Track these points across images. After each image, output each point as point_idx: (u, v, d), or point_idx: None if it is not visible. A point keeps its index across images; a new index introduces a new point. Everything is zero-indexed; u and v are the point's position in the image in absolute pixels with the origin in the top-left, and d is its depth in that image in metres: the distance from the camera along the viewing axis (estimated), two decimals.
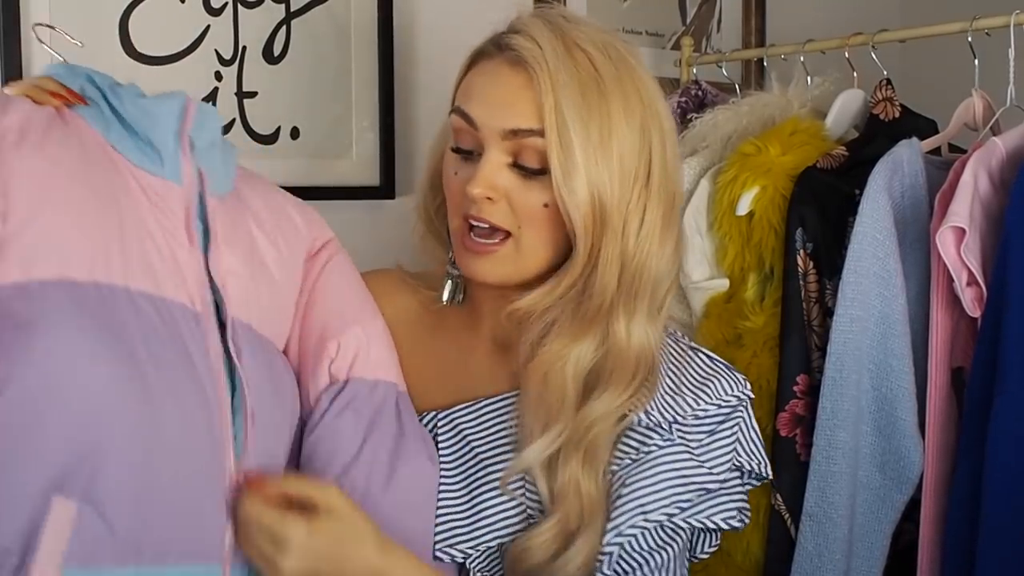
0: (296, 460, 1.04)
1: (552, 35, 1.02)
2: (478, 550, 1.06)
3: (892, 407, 1.39)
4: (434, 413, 1.12)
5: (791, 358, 1.46)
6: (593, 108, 1.01)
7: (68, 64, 1.01)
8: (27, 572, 0.79)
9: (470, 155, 1.05)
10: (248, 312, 0.99)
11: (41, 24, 1.05)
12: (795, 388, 1.45)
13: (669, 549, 1.06)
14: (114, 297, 0.87)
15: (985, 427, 1.28)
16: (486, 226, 1.04)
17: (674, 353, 1.13)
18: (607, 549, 1.02)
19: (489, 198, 1.02)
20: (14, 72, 1.27)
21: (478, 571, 1.07)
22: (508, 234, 1.04)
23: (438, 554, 1.06)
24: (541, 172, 1.02)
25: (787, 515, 1.45)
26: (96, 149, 0.93)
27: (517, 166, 1.03)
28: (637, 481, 1.04)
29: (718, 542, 1.16)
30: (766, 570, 1.48)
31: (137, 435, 0.84)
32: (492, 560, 1.08)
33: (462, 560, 1.07)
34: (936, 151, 1.55)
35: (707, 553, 1.16)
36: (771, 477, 1.15)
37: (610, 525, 1.03)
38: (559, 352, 1.04)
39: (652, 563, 1.05)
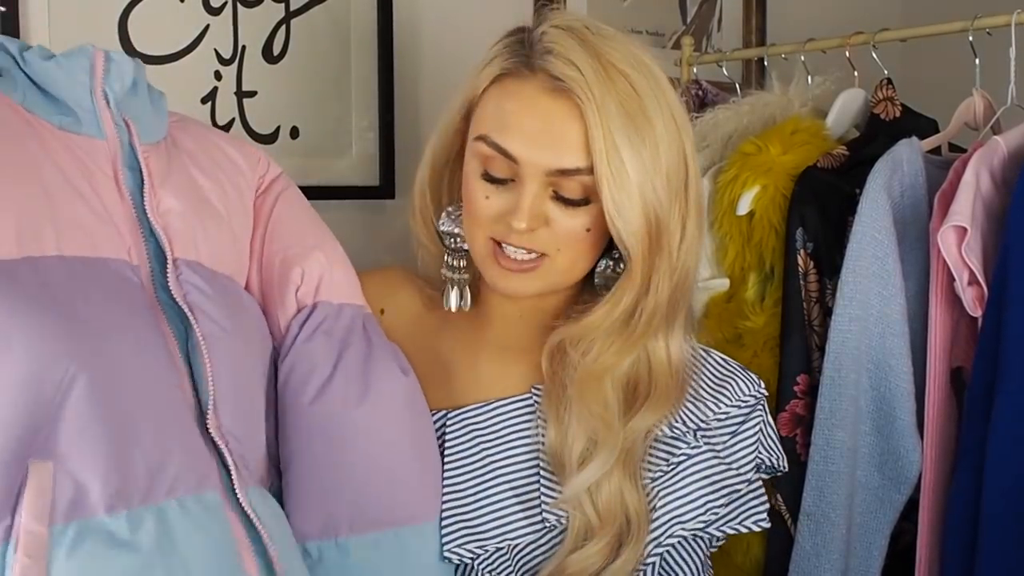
0: (274, 385, 1.04)
1: (588, 56, 0.99)
2: (486, 550, 1.06)
3: (891, 407, 1.39)
4: (444, 412, 1.12)
5: (791, 358, 1.45)
6: (643, 133, 0.99)
7: None
8: (15, 531, 0.79)
9: (503, 183, 1.03)
10: (197, 250, 0.99)
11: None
12: (795, 388, 1.45)
13: (697, 556, 1.08)
14: (47, 267, 0.87)
15: (985, 427, 1.28)
16: (523, 252, 1.03)
17: (692, 359, 1.13)
18: (648, 560, 1.04)
19: (532, 229, 1.02)
20: None
21: (486, 571, 1.07)
22: (544, 254, 1.04)
23: (446, 554, 1.05)
24: (584, 202, 1.02)
25: (787, 515, 1.45)
26: (13, 119, 0.93)
27: (559, 198, 1.02)
28: (670, 492, 1.06)
29: (720, 540, 1.16)
30: (766, 570, 1.48)
31: (89, 390, 0.84)
32: (500, 560, 1.08)
33: (470, 559, 1.07)
34: (936, 150, 1.55)
35: (714, 547, 1.16)
36: (786, 469, 1.17)
37: (649, 537, 1.04)
38: (608, 368, 1.04)
39: (686, 570, 1.07)
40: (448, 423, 1.11)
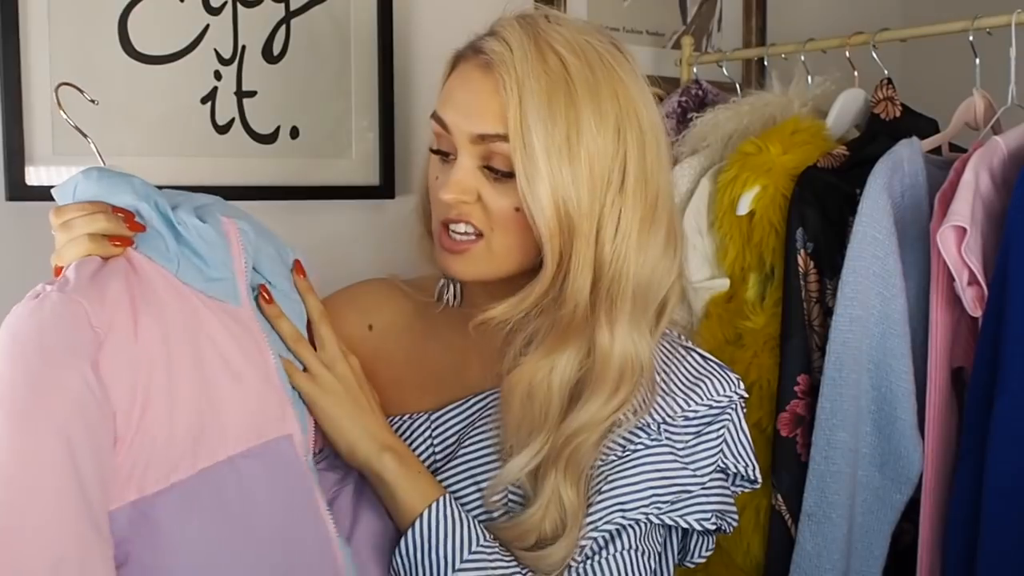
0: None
1: (525, 37, 1.01)
2: None
3: (892, 407, 1.39)
4: (427, 415, 1.12)
5: (792, 358, 1.45)
6: (559, 113, 0.99)
7: (106, 172, 0.94)
8: None
9: (446, 158, 1.06)
10: None
11: (66, 84, 1.00)
12: (796, 388, 1.45)
13: (632, 530, 1.06)
14: (219, 477, 0.89)
15: (986, 427, 1.28)
16: (461, 228, 1.04)
17: (667, 353, 1.12)
18: (582, 543, 1.02)
19: (464, 201, 1.03)
20: (12, 70, 1.26)
21: None
22: (481, 234, 1.04)
23: None
24: (511, 175, 1.01)
25: (787, 516, 1.45)
26: (171, 295, 0.92)
27: (488, 168, 1.03)
28: (619, 478, 1.04)
29: (713, 546, 1.15)
30: (766, 571, 1.48)
31: None
32: None
33: None
34: (936, 150, 1.55)
35: (702, 557, 1.15)
36: (760, 480, 1.14)
37: (587, 520, 1.02)
38: (538, 364, 1.03)
39: (616, 545, 1.04)
40: (433, 425, 1.12)
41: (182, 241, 0.94)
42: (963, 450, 1.33)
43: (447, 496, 1.04)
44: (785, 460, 1.44)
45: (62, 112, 0.98)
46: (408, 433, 1.12)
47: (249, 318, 0.98)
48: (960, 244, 1.30)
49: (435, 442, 1.11)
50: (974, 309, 1.32)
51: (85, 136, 0.97)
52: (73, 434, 0.80)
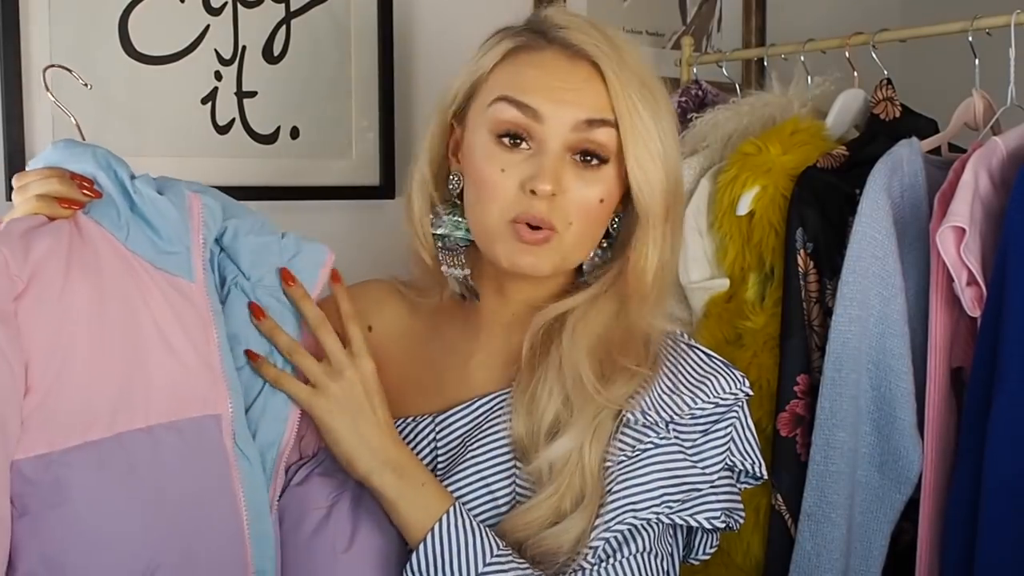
0: None
1: (597, 31, 1.05)
2: None
3: (891, 407, 1.39)
4: (431, 417, 1.12)
5: (791, 358, 1.45)
6: (653, 99, 1.05)
7: (73, 142, 0.97)
8: None
9: (518, 146, 1.04)
10: None
11: (55, 65, 1.02)
12: (795, 388, 1.45)
13: (645, 532, 1.06)
14: (134, 443, 0.89)
15: (985, 427, 1.28)
16: (540, 226, 1.04)
17: (672, 352, 1.12)
18: (593, 543, 1.01)
19: (553, 194, 1.03)
20: (13, 70, 1.26)
21: None
22: (553, 230, 1.05)
23: None
24: (602, 163, 1.05)
25: (787, 515, 1.45)
26: (117, 266, 0.93)
27: (582, 155, 1.04)
28: (629, 478, 1.04)
29: (717, 543, 1.15)
30: (766, 571, 1.48)
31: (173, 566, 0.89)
32: None
33: None
34: (936, 151, 1.55)
35: (707, 555, 1.15)
36: (766, 477, 1.15)
37: (599, 521, 1.02)
38: (592, 330, 1.07)
39: (630, 548, 1.04)
40: (437, 427, 1.11)
41: (136, 211, 0.95)
42: (962, 450, 1.33)
43: (455, 507, 1.02)
44: (785, 460, 1.44)
45: (50, 94, 1.00)
46: (411, 436, 1.12)
47: (200, 294, 0.98)
48: (959, 244, 1.30)
49: (439, 445, 1.10)
50: (973, 309, 1.32)
51: (69, 115, 1.00)
52: None
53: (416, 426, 1.12)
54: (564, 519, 1.01)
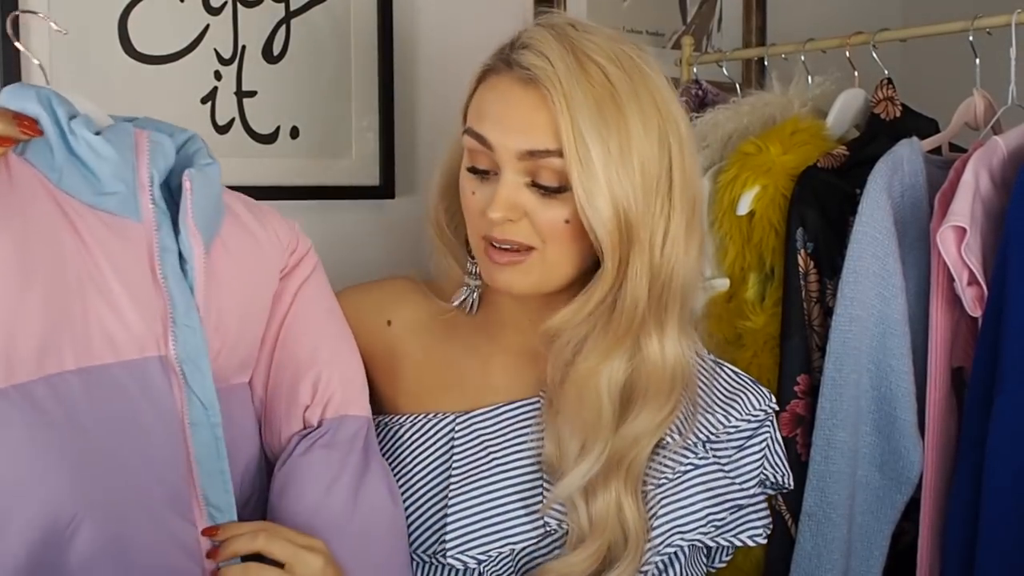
0: (263, 493, 1.05)
1: (562, 49, 1.00)
2: (490, 556, 1.06)
3: (891, 407, 1.39)
4: (453, 416, 1.12)
5: (791, 358, 1.45)
6: (611, 123, 0.99)
7: (21, 85, 0.95)
8: None
9: (486, 175, 1.04)
10: (218, 347, 0.99)
11: (28, 11, 1.00)
12: (796, 388, 1.45)
13: (696, 569, 1.09)
14: (65, 385, 0.87)
15: (985, 427, 1.28)
16: (508, 246, 1.03)
17: (702, 371, 1.13)
18: (644, 568, 1.03)
19: (510, 220, 1.02)
20: (13, 69, 1.26)
21: (489, 574, 1.07)
22: (532, 248, 1.04)
23: (451, 560, 1.05)
24: (560, 190, 1.01)
25: (788, 516, 1.45)
26: (46, 206, 0.90)
27: (536, 185, 1.02)
28: (673, 500, 1.05)
29: (733, 551, 1.16)
30: (767, 571, 1.48)
31: (93, 533, 0.85)
32: (505, 566, 1.08)
33: (475, 566, 1.07)
34: (937, 150, 1.55)
35: (723, 563, 1.16)
36: (791, 487, 1.16)
37: (648, 545, 1.03)
38: (593, 369, 1.03)
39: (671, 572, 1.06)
40: (457, 427, 1.11)
41: (73, 152, 0.92)
42: (962, 450, 1.33)
43: None
44: None
45: (17, 43, 0.99)
46: (429, 430, 1.12)
47: (144, 233, 0.94)
48: (960, 244, 1.30)
49: (456, 443, 1.11)
50: (974, 309, 1.32)
51: (33, 59, 1.01)
52: None
53: (439, 422, 1.12)
54: (607, 568, 1.03)
